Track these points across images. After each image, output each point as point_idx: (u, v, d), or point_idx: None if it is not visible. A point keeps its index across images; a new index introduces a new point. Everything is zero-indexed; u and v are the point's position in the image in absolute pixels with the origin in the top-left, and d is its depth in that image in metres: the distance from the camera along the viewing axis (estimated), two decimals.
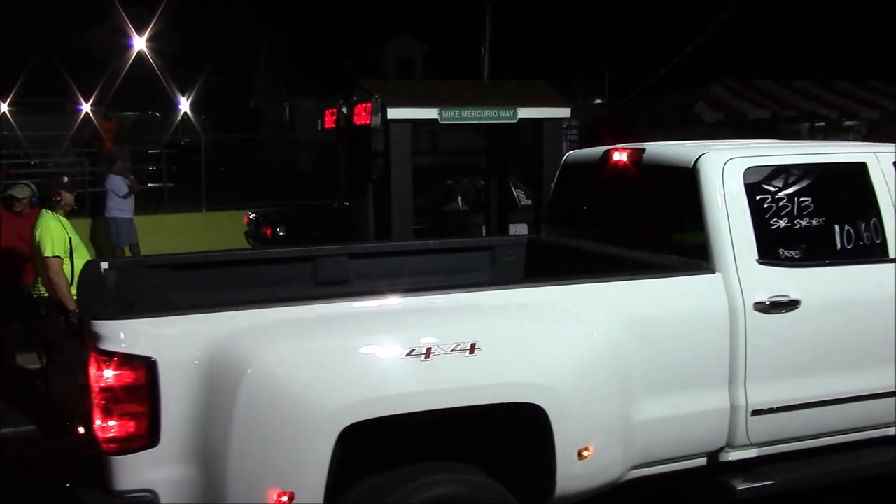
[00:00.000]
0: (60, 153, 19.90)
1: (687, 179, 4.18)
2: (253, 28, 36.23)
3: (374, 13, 31.86)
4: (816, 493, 4.40)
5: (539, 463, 3.61)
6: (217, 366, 3.22)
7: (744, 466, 4.09)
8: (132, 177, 14.05)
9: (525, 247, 5.53)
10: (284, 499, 3.22)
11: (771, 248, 4.13)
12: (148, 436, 3.21)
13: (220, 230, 14.97)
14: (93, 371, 3.23)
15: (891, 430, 4.40)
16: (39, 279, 6.56)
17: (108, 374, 3.18)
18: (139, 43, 22.00)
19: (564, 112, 8.32)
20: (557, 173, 5.44)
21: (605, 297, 3.80)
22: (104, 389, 3.20)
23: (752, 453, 4.09)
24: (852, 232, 4.31)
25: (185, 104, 25.82)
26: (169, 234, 15.00)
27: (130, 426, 3.20)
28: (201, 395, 3.22)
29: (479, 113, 7.89)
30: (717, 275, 4.01)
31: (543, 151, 8.24)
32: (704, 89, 19.31)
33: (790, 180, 4.31)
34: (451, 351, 3.36)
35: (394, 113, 7.47)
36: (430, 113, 7.70)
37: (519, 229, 9.60)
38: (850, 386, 4.19)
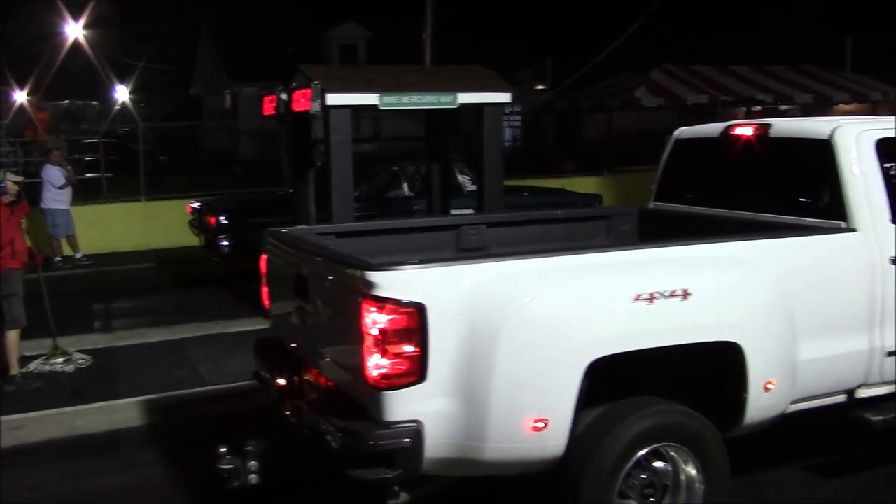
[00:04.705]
0: None
1: (822, 150, 4.65)
2: (194, 15, 35.61)
3: None
4: None
5: (733, 395, 4.07)
6: (479, 310, 3.59)
7: (876, 402, 4.57)
8: (69, 167, 13.77)
9: (637, 216, 6.07)
10: (540, 424, 3.63)
11: None
12: (417, 373, 3.56)
13: (161, 219, 14.76)
14: (368, 316, 3.55)
15: None
16: None
17: (382, 318, 3.52)
18: (76, 30, 21.53)
19: (505, 97, 8.36)
20: (668, 148, 5.88)
21: (778, 252, 4.28)
22: (380, 332, 3.53)
23: (882, 390, 4.58)
24: None
25: (123, 92, 25.34)
26: (108, 225, 14.75)
27: (402, 365, 3.55)
28: (465, 335, 3.58)
29: (420, 98, 7.88)
30: (859, 233, 4.50)
31: (484, 136, 8.28)
32: (645, 75, 19.57)
33: None
34: (669, 296, 3.82)
35: (333, 99, 7.43)
36: (371, 99, 7.68)
37: None
38: None
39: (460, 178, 11.16)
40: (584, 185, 15.76)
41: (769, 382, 4.08)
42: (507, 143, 22.42)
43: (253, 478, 4.30)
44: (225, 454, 4.33)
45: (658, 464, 3.97)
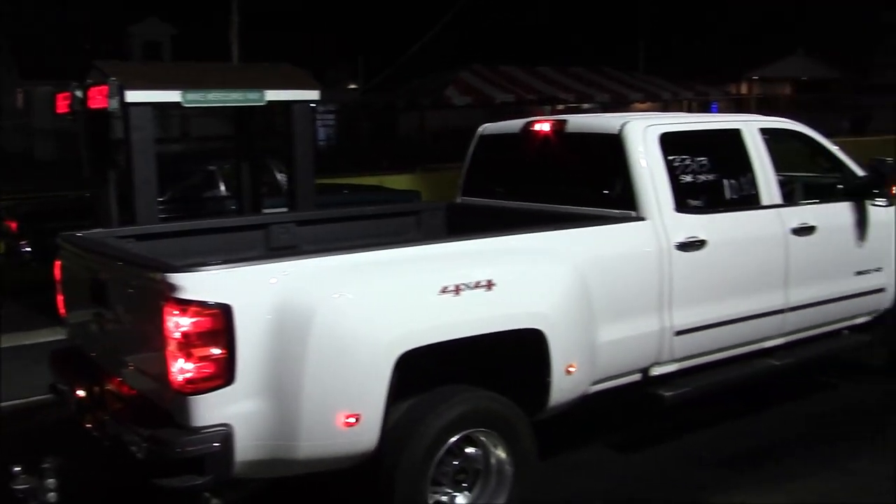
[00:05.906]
0: None
1: (613, 144, 4.92)
2: None
3: None
4: (719, 394, 5.33)
5: (537, 379, 4.24)
6: (287, 308, 3.57)
7: (667, 379, 4.90)
8: None
9: (445, 211, 6.19)
10: (352, 420, 3.65)
11: (682, 199, 4.93)
12: (224, 375, 3.50)
13: None
14: (170, 320, 3.46)
15: (771, 343, 5.41)
16: None
17: (186, 321, 3.44)
18: None
19: (314, 94, 8.29)
20: (473, 145, 6.03)
21: (575, 241, 4.49)
22: (183, 336, 3.44)
23: (673, 368, 4.91)
24: (735, 184, 5.27)
25: None
26: None
27: (208, 368, 3.48)
28: (273, 335, 3.56)
29: (225, 96, 7.69)
30: (648, 222, 4.77)
31: (294, 134, 8.20)
32: (454, 75, 20.01)
33: (691, 144, 5.16)
34: (475, 287, 3.92)
35: (132, 96, 7.10)
36: (173, 96, 7.39)
37: None
38: (743, 308, 5.11)
39: (279, 176, 10.96)
40: (399, 182, 15.88)
41: (570, 366, 4.28)
42: (322, 142, 22.33)
43: (51, 496, 4.08)
44: (20, 473, 4.08)
45: (469, 449, 4.08)
